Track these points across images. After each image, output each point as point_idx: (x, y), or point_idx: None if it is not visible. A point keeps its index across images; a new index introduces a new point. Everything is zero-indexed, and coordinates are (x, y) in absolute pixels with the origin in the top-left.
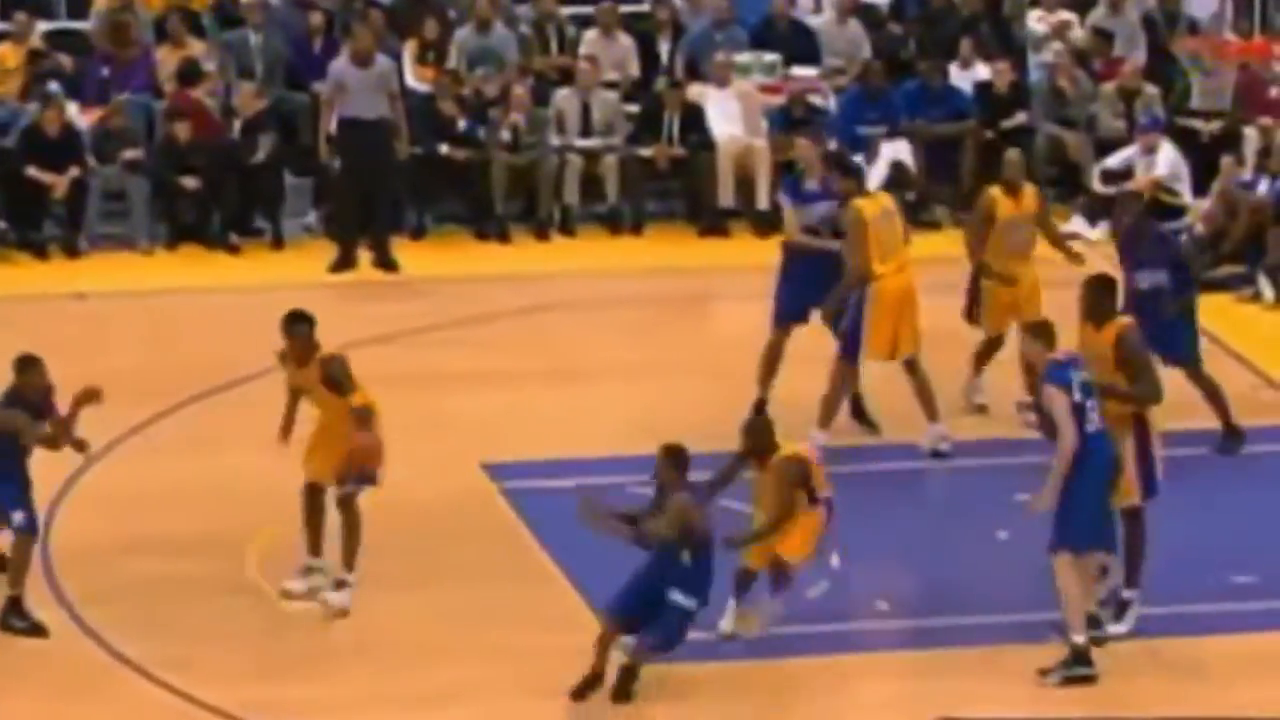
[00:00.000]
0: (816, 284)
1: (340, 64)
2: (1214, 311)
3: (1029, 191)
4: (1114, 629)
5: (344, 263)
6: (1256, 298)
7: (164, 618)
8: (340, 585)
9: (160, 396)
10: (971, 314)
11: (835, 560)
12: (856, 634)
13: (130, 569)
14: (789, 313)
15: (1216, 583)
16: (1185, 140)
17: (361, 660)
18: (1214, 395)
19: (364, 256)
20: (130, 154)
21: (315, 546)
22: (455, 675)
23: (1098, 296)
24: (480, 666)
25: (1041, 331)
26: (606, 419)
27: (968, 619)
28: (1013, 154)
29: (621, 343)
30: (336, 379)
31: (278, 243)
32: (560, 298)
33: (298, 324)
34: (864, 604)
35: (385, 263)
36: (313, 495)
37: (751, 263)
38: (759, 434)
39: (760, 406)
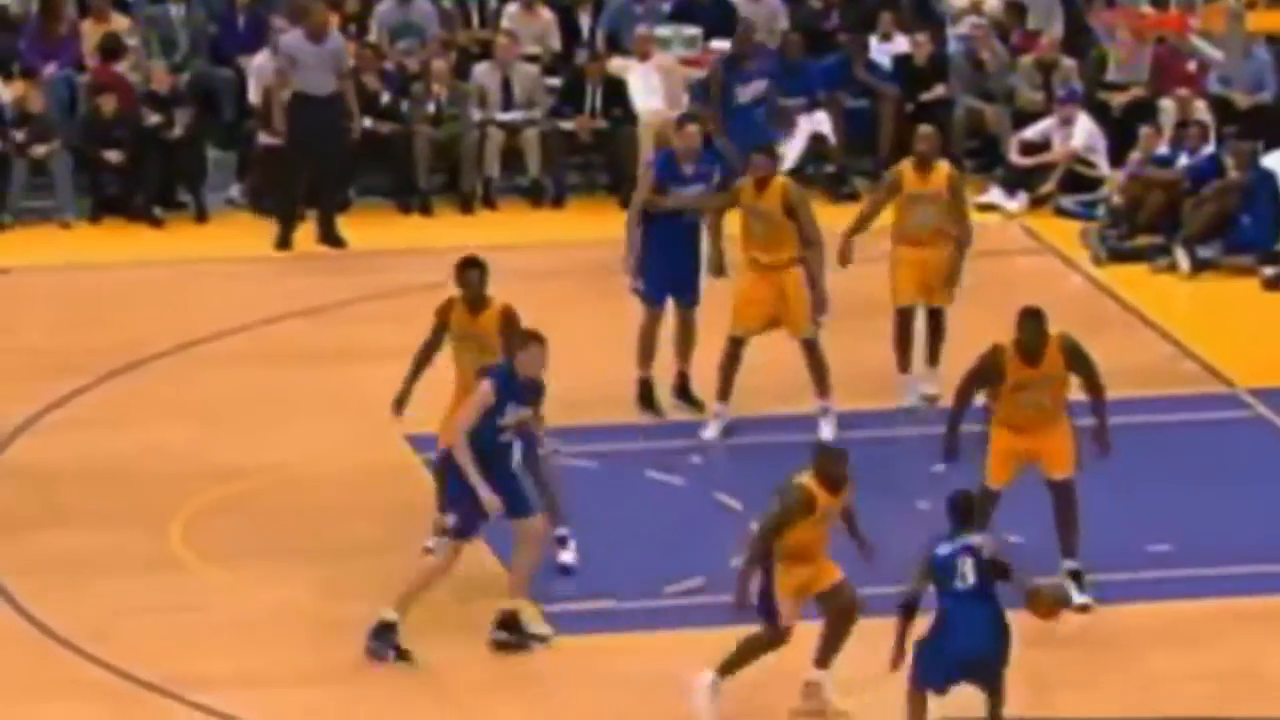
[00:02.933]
0: (679, 262)
1: (292, 38)
2: (1131, 282)
3: (941, 169)
4: (1079, 599)
5: (288, 239)
6: (1173, 268)
7: (87, 590)
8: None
9: (83, 370)
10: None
11: None
12: None
13: (53, 541)
14: (659, 293)
15: (1133, 552)
16: (1102, 112)
17: (282, 633)
18: None
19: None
20: (44, 147)
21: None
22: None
23: (1033, 331)
24: (406, 639)
25: None
26: None
27: (890, 588)
28: (925, 129)
29: (544, 314)
30: (518, 327)
31: (201, 216)
32: None
33: (470, 270)
34: None
35: (331, 238)
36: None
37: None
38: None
39: (645, 387)
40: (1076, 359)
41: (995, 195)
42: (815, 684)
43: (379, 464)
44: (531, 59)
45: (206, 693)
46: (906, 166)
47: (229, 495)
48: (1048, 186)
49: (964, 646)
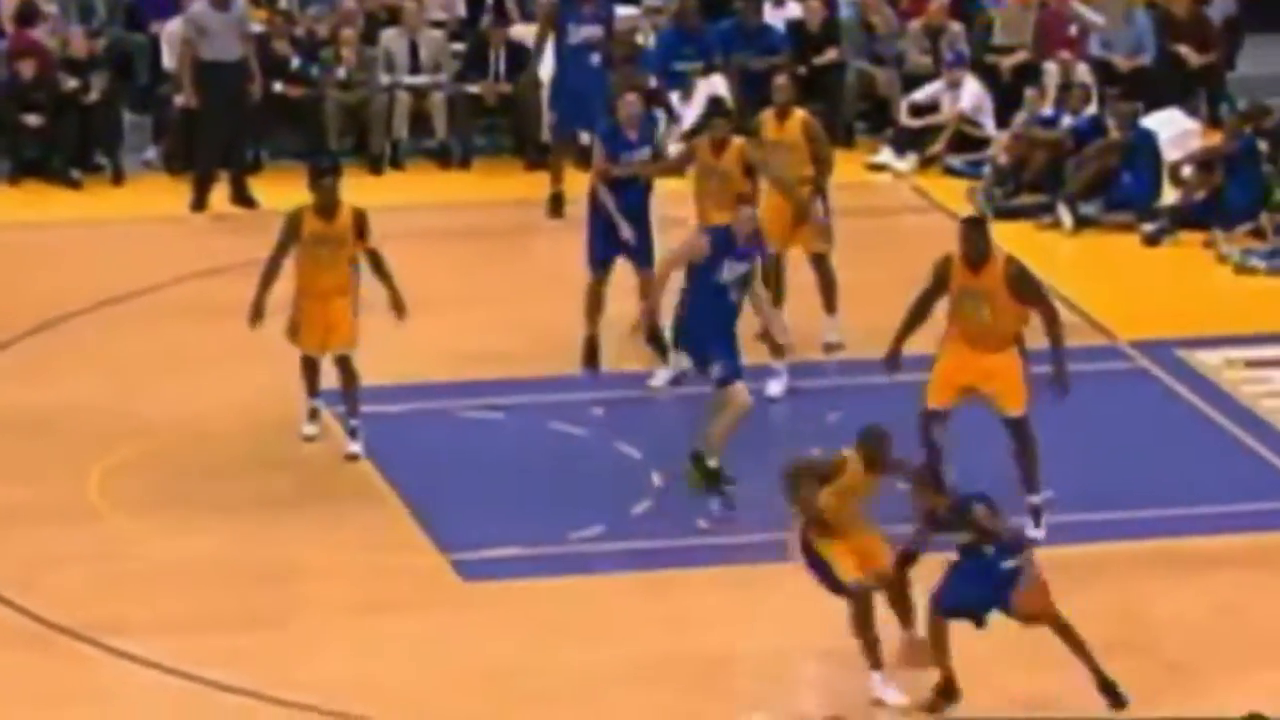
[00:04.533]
0: (632, 227)
1: (200, 8)
2: (1016, 239)
3: (796, 116)
4: (1033, 533)
5: (203, 201)
6: (1056, 225)
7: (8, 540)
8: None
9: (3, 327)
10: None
11: (657, 480)
12: (680, 549)
13: None
14: (603, 258)
15: (1016, 498)
16: (988, 75)
17: (198, 582)
18: None
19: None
20: None
21: None
22: (293, 593)
23: (974, 239)
24: (316, 585)
25: None
26: (436, 346)
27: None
28: (780, 79)
29: (451, 273)
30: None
31: (118, 178)
32: (392, 230)
33: (325, 177)
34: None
35: (244, 199)
36: None
37: (576, 194)
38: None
39: (591, 344)
40: (1020, 283)
41: (886, 156)
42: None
43: (291, 417)
44: (437, 25)
45: (127, 638)
46: (767, 115)
47: (146, 448)
48: (936, 147)
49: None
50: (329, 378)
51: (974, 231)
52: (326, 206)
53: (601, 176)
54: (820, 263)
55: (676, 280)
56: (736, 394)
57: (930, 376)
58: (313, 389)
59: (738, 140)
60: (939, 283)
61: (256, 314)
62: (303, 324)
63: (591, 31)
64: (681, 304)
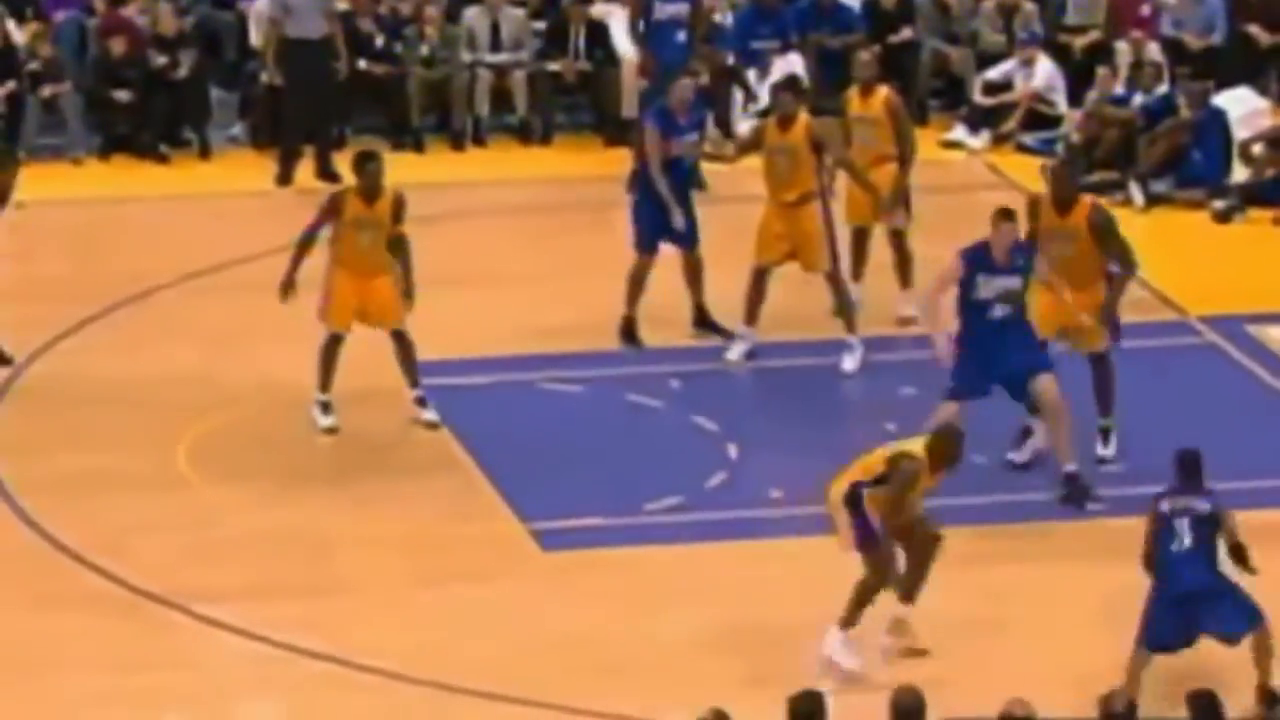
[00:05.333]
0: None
1: None
2: None
3: (880, 93)
4: (1101, 451)
5: (288, 176)
6: (1128, 203)
7: (98, 507)
8: None
9: (94, 299)
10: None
11: (733, 452)
12: (754, 520)
13: (65, 463)
14: (651, 241)
15: (1092, 469)
16: (1061, 54)
17: (283, 549)
18: None
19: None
20: (56, 87)
21: None
22: (374, 561)
23: (1060, 181)
24: (397, 554)
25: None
26: (515, 320)
27: None
28: (864, 55)
29: (531, 248)
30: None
31: (205, 153)
32: (474, 205)
33: (370, 162)
34: (760, 494)
35: (328, 173)
36: None
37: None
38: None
39: (629, 324)
40: (1103, 230)
41: (960, 133)
42: (902, 620)
43: (373, 389)
44: (519, 3)
45: (212, 605)
46: (851, 92)
47: (232, 419)
48: (1009, 125)
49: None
50: (370, 358)
51: (1062, 173)
52: (370, 191)
53: (659, 159)
54: (897, 238)
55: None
56: (1045, 393)
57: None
58: (327, 381)
59: (804, 116)
60: (1031, 217)
61: (289, 287)
62: (333, 300)
63: (677, 9)
64: (957, 340)
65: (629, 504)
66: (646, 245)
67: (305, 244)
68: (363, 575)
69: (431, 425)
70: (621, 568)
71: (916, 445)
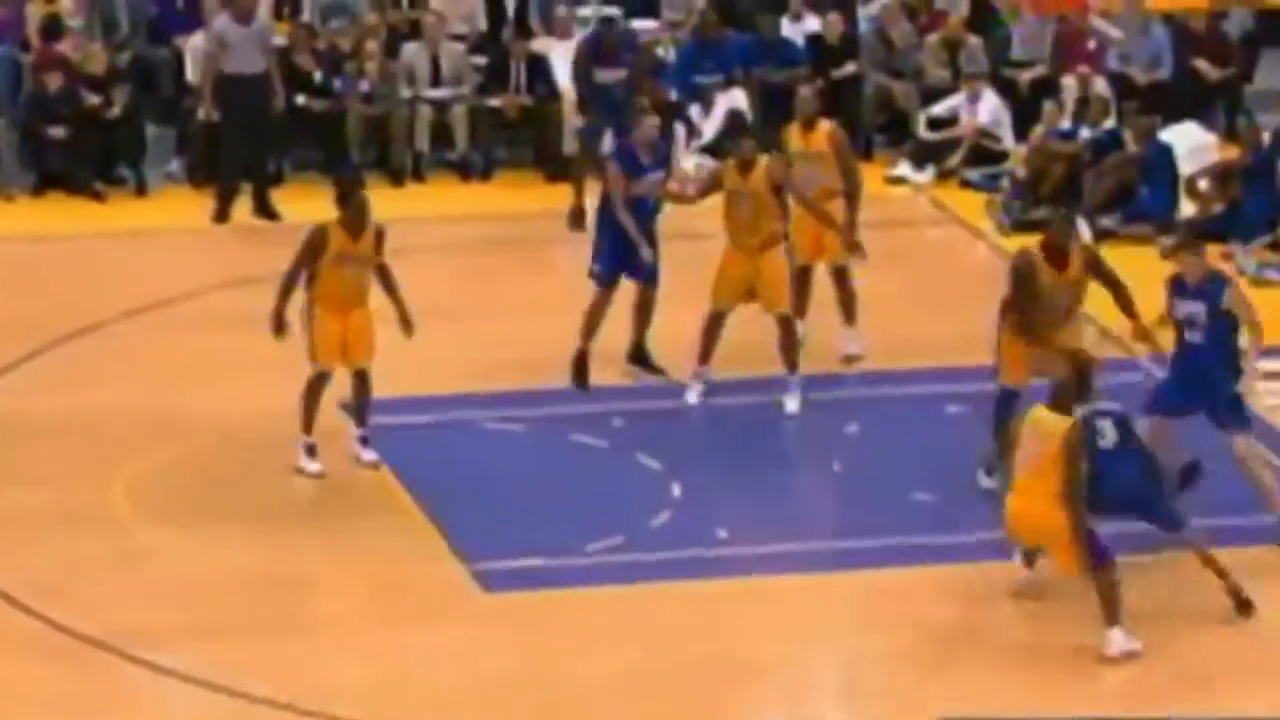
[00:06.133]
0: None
1: (222, 22)
2: None
3: (822, 128)
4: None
5: (226, 213)
6: None
7: (34, 547)
8: None
9: (31, 337)
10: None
11: (677, 491)
12: (698, 560)
13: (2, 499)
14: (611, 276)
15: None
16: (1006, 89)
17: (224, 590)
18: None
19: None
20: None
21: None
22: (316, 603)
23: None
24: (339, 595)
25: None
26: (457, 358)
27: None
28: (804, 91)
29: (472, 285)
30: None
31: (141, 190)
32: (414, 242)
33: (359, 192)
34: (705, 533)
35: (266, 211)
36: None
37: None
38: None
39: (582, 359)
40: (1096, 266)
41: (904, 169)
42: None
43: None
44: (458, 38)
45: (151, 647)
46: (792, 128)
47: (170, 456)
48: (955, 160)
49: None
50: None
51: (1061, 231)
52: (358, 223)
53: (622, 196)
54: (841, 275)
55: None
56: (1238, 446)
57: (1003, 360)
58: (311, 421)
59: (763, 160)
60: (1023, 283)
61: (279, 325)
62: (319, 337)
63: (616, 73)
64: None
65: (572, 544)
66: (607, 280)
67: (290, 283)
68: (305, 617)
69: (373, 465)
70: (564, 608)
71: (1049, 412)
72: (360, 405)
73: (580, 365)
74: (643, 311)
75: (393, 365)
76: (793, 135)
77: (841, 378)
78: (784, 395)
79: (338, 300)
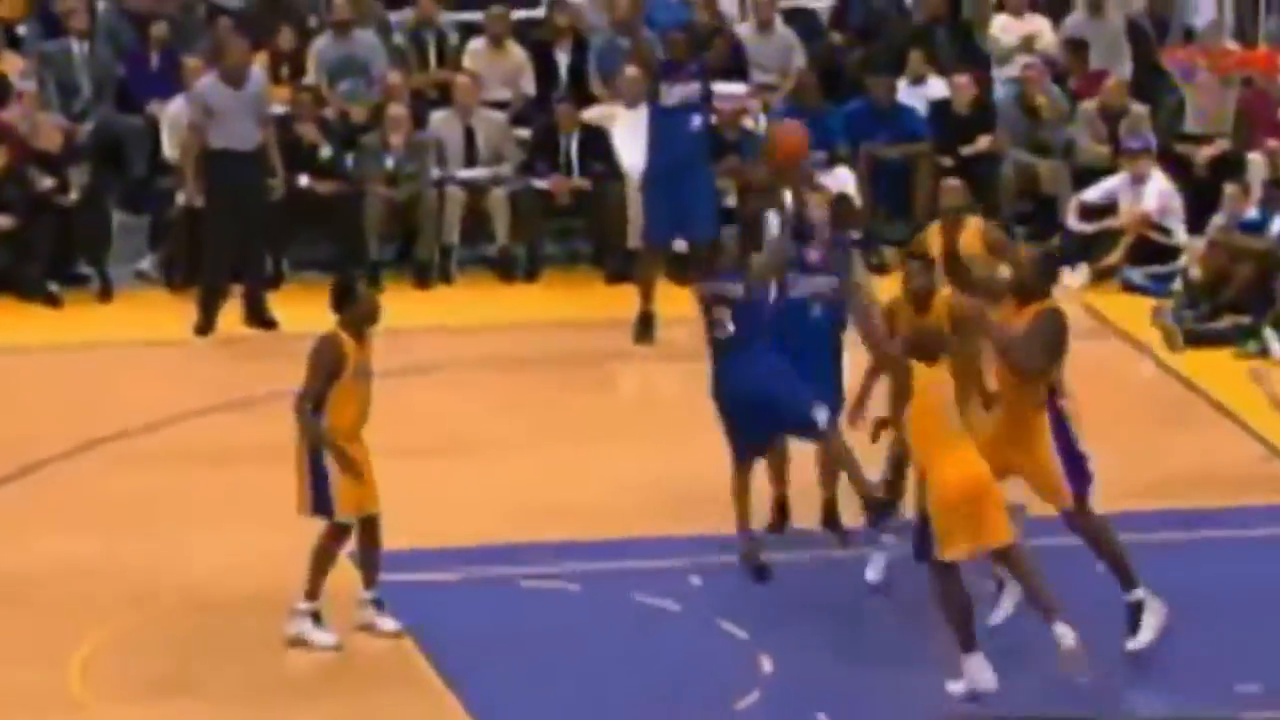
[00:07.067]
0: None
1: (208, 83)
2: (1213, 369)
3: (971, 226)
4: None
5: (210, 321)
6: (1264, 354)
7: None
8: None
9: None
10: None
11: (766, 665)
12: None
13: None
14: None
15: (1219, 691)
16: (1179, 168)
17: None
18: None
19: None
20: None
21: None
22: None
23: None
24: None
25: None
26: (495, 500)
27: None
28: (950, 182)
29: (515, 410)
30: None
31: (105, 293)
32: (443, 356)
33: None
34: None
35: (262, 319)
36: None
37: (669, 314)
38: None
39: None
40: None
41: None
42: None
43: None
44: (498, 105)
45: None
46: (930, 230)
47: (138, 622)
48: (1114, 257)
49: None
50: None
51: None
52: (366, 325)
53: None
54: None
55: None
56: None
57: None
58: (320, 585)
59: (945, 291)
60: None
61: (347, 461)
62: (344, 481)
63: (688, 90)
64: None
65: None
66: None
67: (319, 410)
68: None
69: (391, 634)
70: None
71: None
72: (370, 559)
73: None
74: (829, 466)
75: (415, 509)
76: (931, 238)
77: None
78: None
79: (354, 427)
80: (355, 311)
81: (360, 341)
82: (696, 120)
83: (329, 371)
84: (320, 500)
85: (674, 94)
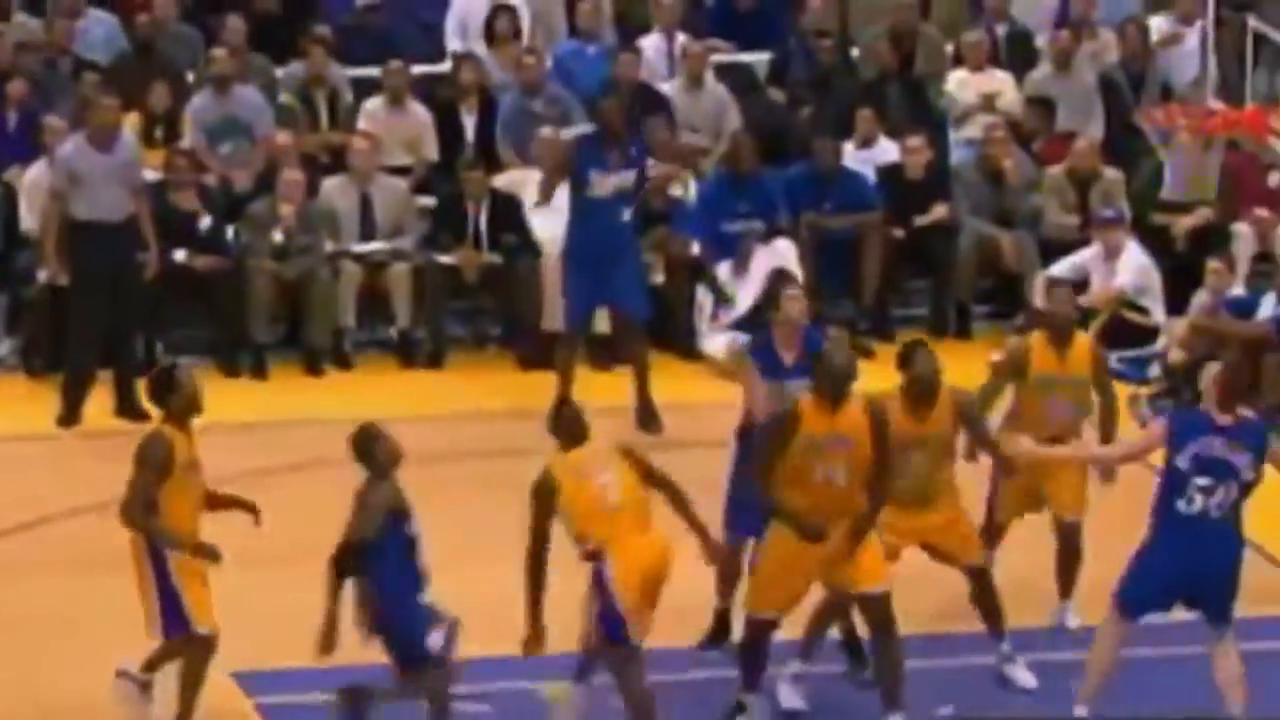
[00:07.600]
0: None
1: (73, 148)
2: None
3: (1081, 342)
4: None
5: (75, 412)
6: None
7: None
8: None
9: None
10: None
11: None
12: None
13: None
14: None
15: None
16: (1156, 240)
17: None
18: None
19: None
20: None
21: None
22: None
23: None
24: None
25: None
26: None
27: None
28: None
29: (420, 508)
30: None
31: None
32: (334, 451)
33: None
34: None
35: (134, 410)
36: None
37: (590, 403)
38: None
39: (721, 618)
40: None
41: None
42: None
43: (203, 708)
44: (398, 171)
45: None
46: (1038, 341)
47: None
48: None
49: None
50: None
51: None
52: (187, 419)
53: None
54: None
55: None
56: None
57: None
58: (191, 711)
59: (948, 388)
60: None
61: (208, 551)
62: (195, 591)
63: (621, 179)
64: None
65: None
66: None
67: (151, 510)
68: None
69: None
70: None
71: None
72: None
73: (719, 627)
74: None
75: (302, 626)
76: (1038, 352)
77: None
78: (1007, 665)
79: (194, 529)
80: (177, 402)
81: (186, 434)
82: (627, 213)
83: (157, 471)
84: (173, 620)
85: (607, 184)
